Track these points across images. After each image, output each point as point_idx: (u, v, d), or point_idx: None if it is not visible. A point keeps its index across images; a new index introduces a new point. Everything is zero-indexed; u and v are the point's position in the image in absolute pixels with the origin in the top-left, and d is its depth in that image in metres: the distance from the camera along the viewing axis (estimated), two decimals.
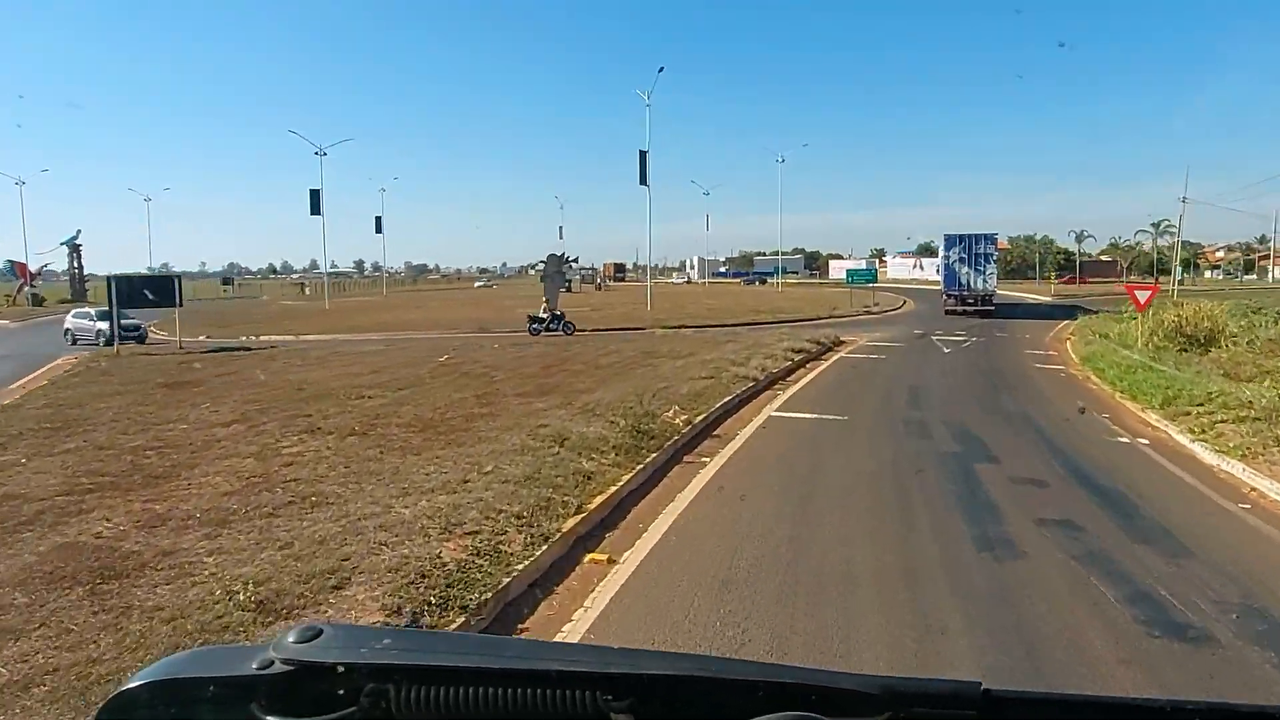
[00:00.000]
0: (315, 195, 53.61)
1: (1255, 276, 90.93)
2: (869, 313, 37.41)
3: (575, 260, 77.13)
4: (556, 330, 27.10)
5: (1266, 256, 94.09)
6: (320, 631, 0.73)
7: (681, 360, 16.98)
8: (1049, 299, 47.70)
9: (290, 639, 0.72)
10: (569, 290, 70.51)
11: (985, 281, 33.63)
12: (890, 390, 14.49)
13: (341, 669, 0.70)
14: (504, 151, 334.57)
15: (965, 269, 33.82)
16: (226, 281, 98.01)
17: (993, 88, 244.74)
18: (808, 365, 18.10)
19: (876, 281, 41.66)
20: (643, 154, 38.56)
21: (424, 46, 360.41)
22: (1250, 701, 0.72)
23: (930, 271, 63.25)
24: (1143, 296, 19.19)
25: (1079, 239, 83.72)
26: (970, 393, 14.40)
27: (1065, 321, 32.02)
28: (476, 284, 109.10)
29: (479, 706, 0.70)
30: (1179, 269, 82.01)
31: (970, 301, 33.72)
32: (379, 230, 78.22)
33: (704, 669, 0.75)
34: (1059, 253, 79.90)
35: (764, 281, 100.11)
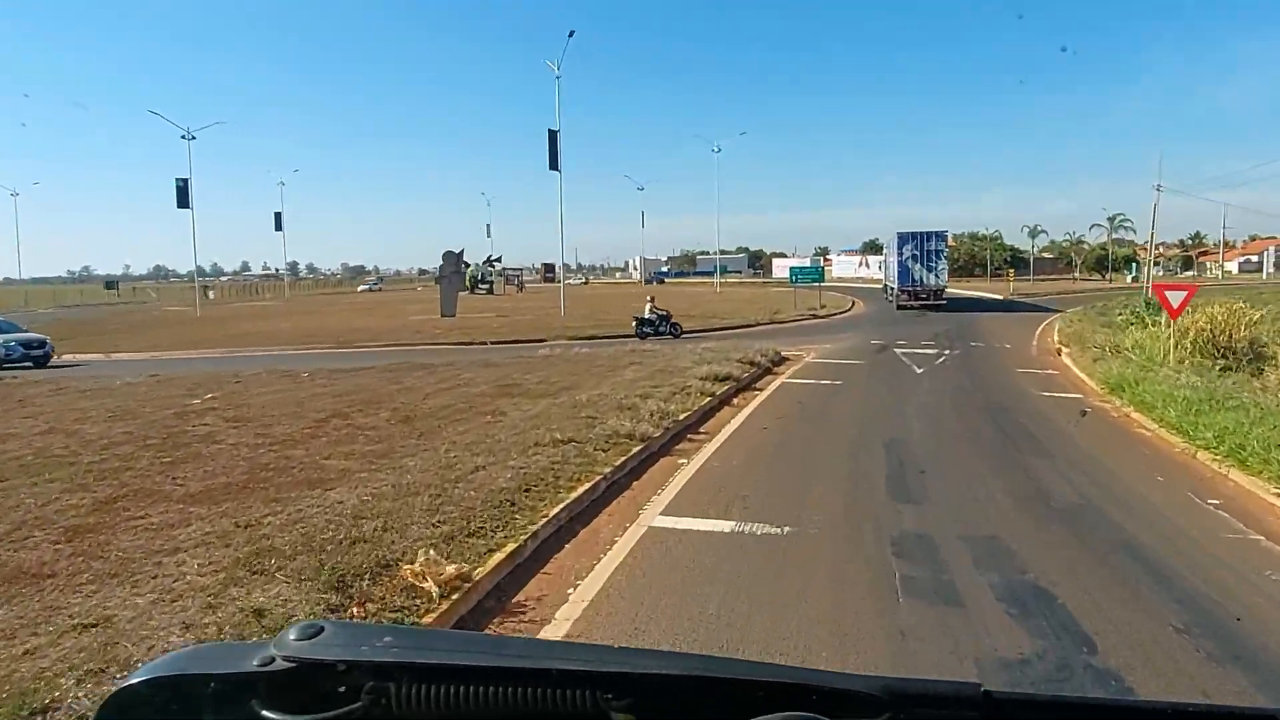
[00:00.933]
0: (182, 186, 46.22)
1: (1194, 273, 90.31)
2: (815, 316, 32.54)
3: (499, 259, 71.10)
4: (665, 333, 24.41)
5: (1205, 252, 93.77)
6: (321, 629, 0.72)
7: (545, 401, 11.39)
8: (1009, 297, 43.79)
9: (292, 636, 0.71)
10: (490, 292, 64.34)
11: (937, 277, 34.22)
12: (857, 455, 9.16)
13: (343, 666, 0.69)
14: (451, 150, 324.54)
15: (917, 265, 34.23)
16: (110, 285, 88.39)
17: (932, 92, 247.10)
18: (734, 402, 12.72)
19: (823, 280, 36.88)
20: (552, 134, 32.83)
21: (376, 38, 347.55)
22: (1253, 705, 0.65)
23: (876, 269, 59.57)
24: (1176, 299, 14.42)
25: (1033, 235, 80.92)
26: (980, 456, 9.19)
27: (1040, 323, 27.69)
28: (360, 288, 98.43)
29: (480, 705, 0.68)
30: (1135, 266, 80.00)
31: (923, 296, 34.10)
32: (279, 228, 70.60)
33: (705, 669, 0.73)
34: (1005, 249, 77.03)
35: (662, 281, 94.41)
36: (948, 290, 36.44)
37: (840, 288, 54.61)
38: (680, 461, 8.85)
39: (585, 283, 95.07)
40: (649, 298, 27.25)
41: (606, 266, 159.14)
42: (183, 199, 46.28)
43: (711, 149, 56.33)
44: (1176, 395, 11.16)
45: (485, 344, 24.55)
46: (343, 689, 0.69)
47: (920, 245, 34.19)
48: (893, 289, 36.03)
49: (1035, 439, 10.01)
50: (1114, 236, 78.42)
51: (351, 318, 38.30)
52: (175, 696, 0.70)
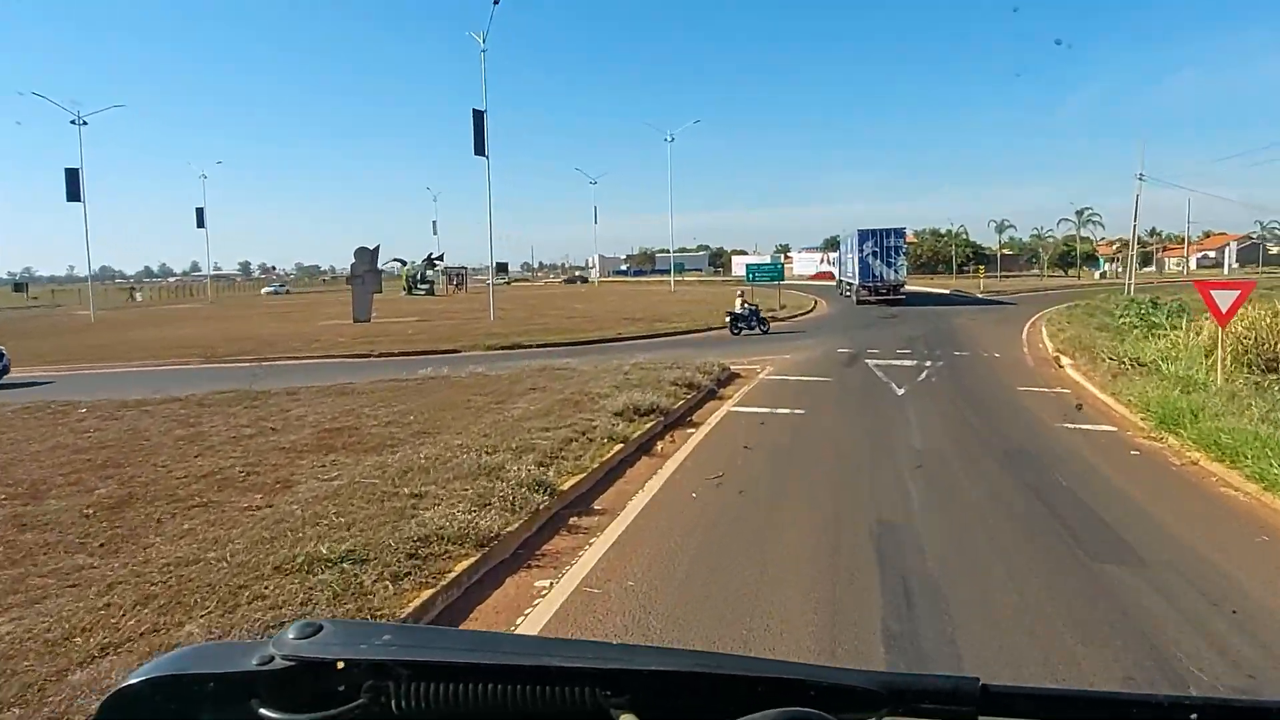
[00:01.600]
0: (72, 176, 41.16)
1: (1154, 269, 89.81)
2: (774, 318, 29.19)
3: (440, 258, 66.68)
4: (754, 330, 23.29)
5: (1166, 248, 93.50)
6: (320, 628, 0.72)
7: (372, 460, 7.68)
8: (979, 295, 41.14)
9: (290, 635, 0.71)
10: (430, 292, 60.03)
11: (896, 273, 34.80)
12: (832, 563, 5.62)
13: (342, 665, 0.69)
14: (412, 146, 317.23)
15: (878, 261, 34.77)
16: (19, 288, 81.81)
17: (897, 89, 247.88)
18: (656, 449, 9.16)
19: (782, 278, 33.62)
20: (477, 114, 28.98)
21: (335, 33, 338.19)
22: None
23: (833, 265, 57.32)
24: (1226, 300, 11.29)
25: (1000, 229, 78.76)
26: (1025, 557, 5.75)
27: (1022, 325, 24.85)
28: (264, 290, 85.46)
29: (479, 702, 0.68)
30: (1101, 262, 78.51)
31: (883, 291, 34.78)
32: (200, 224, 65.18)
33: (703, 665, 0.72)
34: (968, 246, 75.05)
35: (586, 280, 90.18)
36: (914, 289, 36.84)
37: (801, 286, 51.84)
38: (539, 586, 5.26)
39: (508, 283, 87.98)
40: (739, 292, 25.34)
41: (567, 265, 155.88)
42: (73, 191, 41.23)
43: (664, 138, 52.82)
44: (1269, 438, 7.94)
45: (392, 355, 20.73)
46: (342, 687, 0.69)
47: (880, 242, 34.78)
48: (852, 284, 36.93)
49: (1095, 516, 6.63)
50: (1082, 232, 76.72)
51: (254, 324, 33.90)
52: (175, 696, 0.69)
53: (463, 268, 68.37)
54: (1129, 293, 33.15)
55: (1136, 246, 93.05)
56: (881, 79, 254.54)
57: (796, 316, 30.77)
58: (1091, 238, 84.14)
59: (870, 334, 22.91)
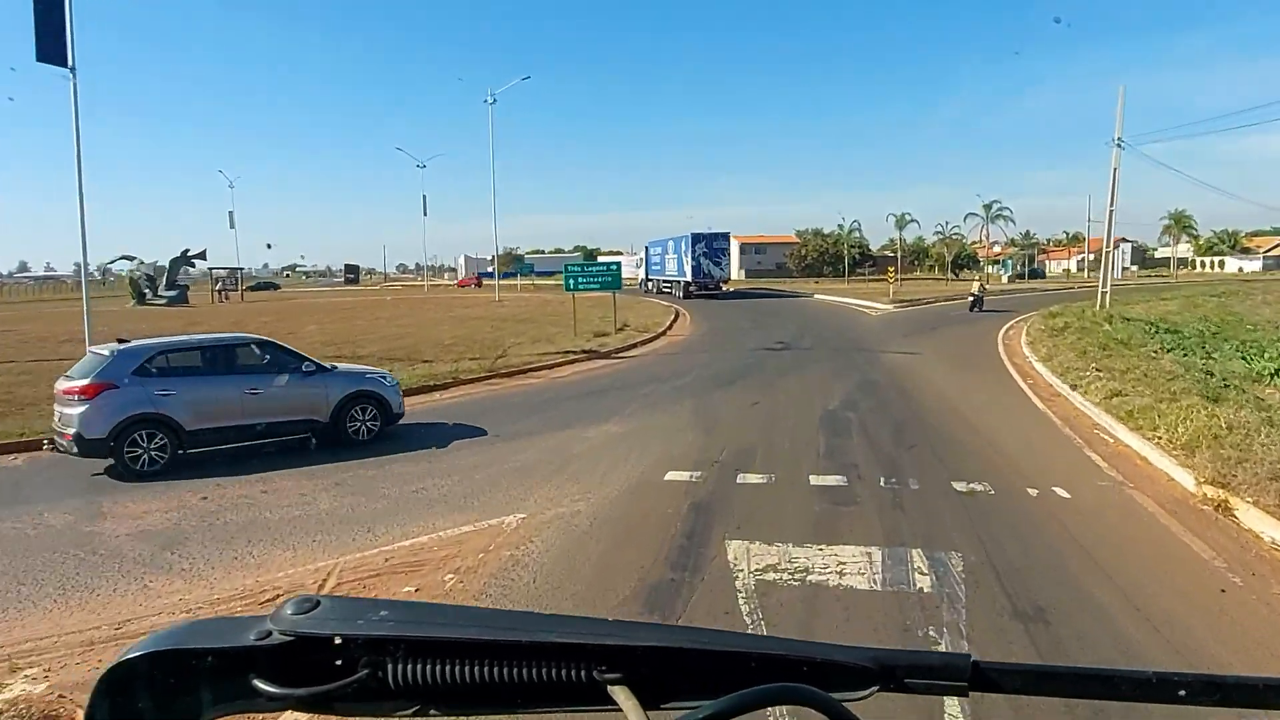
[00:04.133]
0: None
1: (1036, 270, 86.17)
2: (594, 354, 17.65)
3: (200, 256, 50.86)
4: (980, 311, 27.06)
5: (1045, 251, 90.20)
6: (318, 603, 0.73)
7: None
8: (889, 306, 31.18)
9: (288, 610, 0.72)
10: (180, 301, 44.64)
11: (722, 270, 39.19)
12: None
13: (339, 640, 0.69)
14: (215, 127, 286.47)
15: (707, 261, 38.51)
16: None
17: (771, 97, 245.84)
18: None
19: (618, 284, 21.78)
20: None
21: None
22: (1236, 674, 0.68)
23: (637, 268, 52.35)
24: None
25: (900, 225, 70.39)
26: None
27: (1004, 369, 14.55)
28: None
29: (475, 677, 0.69)
30: (1008, 265, 72.10)
31: (710, 287, 38.88)
32: None
33: (697, 641, 0.73)
34: (858, 246, 66.78)
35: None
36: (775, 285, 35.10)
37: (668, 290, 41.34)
38: None
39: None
40: (978, 278, 31.47)
41: (438, 266, 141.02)
42: None
43: (485, 99, 40.46)
44: None
45: None
46: (339, 662, 0.69)
47: (709, 244, 38.52)
48: (676, 282, 41.03)
49: None
50: (991, 228, 69.77)
51: None
52: (173, 670, 0.69)
53: (236, 269, 52.75)
54: (1103, 301, 24.03)
55: (1015, 249, 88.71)
56: (764, 83, 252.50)
57: (634, 347, 19.28)
58: (1007, 235, 78.43)
59: (747, 395, 11.76)
